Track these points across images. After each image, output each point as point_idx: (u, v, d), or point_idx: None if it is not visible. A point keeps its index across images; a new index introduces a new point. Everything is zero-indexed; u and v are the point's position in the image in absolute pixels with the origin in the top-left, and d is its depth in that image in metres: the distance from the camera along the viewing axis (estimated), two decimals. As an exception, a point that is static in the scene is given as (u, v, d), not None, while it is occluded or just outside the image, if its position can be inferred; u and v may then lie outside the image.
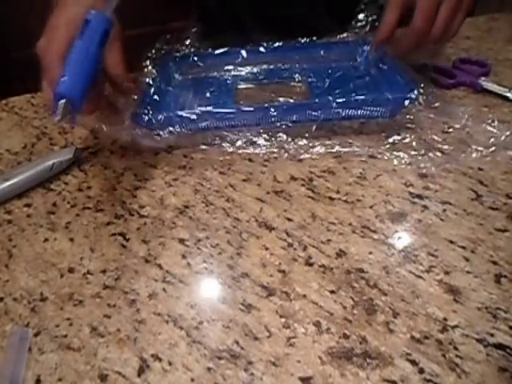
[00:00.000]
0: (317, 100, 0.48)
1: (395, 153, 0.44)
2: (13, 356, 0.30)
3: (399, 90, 0.46)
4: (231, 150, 0.47)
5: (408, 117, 0.47)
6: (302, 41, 0.55)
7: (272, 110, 0.47)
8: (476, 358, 0.28)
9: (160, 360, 0.30)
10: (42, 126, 0.54)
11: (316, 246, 0.36)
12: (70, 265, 0.37)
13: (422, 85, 0.45)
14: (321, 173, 0.43)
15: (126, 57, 0.40)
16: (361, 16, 0.52)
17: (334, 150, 0.46)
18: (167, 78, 0.53)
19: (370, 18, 0.50)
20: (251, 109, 0.48)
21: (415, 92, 0.45)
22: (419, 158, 0.43)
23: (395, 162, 0.43)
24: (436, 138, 0.46)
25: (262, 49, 0.55)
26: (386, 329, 0.30)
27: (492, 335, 0.29)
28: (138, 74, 0.48)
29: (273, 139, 0.48)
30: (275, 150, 0.46)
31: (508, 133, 0.44)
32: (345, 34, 0.55)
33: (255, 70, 0.54)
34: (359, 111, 0.49)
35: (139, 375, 0.29)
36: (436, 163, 0.43)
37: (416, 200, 0.39)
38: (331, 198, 0.40)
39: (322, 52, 0.54)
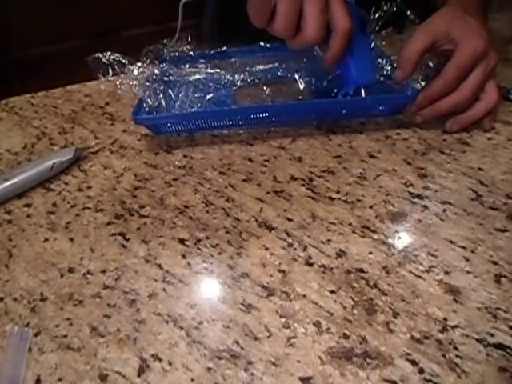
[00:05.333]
0: (316, 100, 0.48)
1: (395, 153, 0.44)
2: (13, 356, 0.30)
3: (399, 89, 0.46)
4: (231, 149, 0.47)
5: (408, 116, 0.47)
6: None
7: (271, 109, 0.47)
8: (476, 358, 0.28)
9: (160, 360, 0.30)
10: (42, 126, 0.54)
11: (316, 246, 0.36)
12: (69, 265, 0.37)
13: (422, 84, 0.45)
14: (321, 173, 0.43)
15: None
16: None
17: (333, 150, 0.46)
18: (166, 77, 0.53)
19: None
20: (250, 108, 0.48)
21: (415, 91, 0.45)
22: (419, 157, 0.43)
23: (395, 161, 0.43)
24: (436, 137, 0.46)
25: (261, 48, 0.55)
26: (386, 329, 0.30)
27: (492, 335, 0.29)
28: (137, 73, 0.48)
29: (272, 139, 0.48)
30: (275, 150, 0.46)
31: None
32: None
33: (254, 69, 0.54)
34: (359, 111, 0.49)
35: (139, 375, 0.29)
36: (436, 163, 0.43)
37: (416, 200, 0.39)
38: (331, 198, 0.40)
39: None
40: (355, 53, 0.43)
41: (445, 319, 0.30)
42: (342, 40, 0.40)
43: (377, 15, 0.49)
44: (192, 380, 0.28)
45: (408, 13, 0.48)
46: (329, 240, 0.36)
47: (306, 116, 0.50)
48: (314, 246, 0.36)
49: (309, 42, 0.39)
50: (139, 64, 0.49)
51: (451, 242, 0.35)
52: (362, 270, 0.34)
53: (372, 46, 0.51)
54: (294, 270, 0.34)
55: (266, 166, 0.45)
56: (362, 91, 0.44)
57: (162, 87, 0.50)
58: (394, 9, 0.48)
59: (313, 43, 0.40)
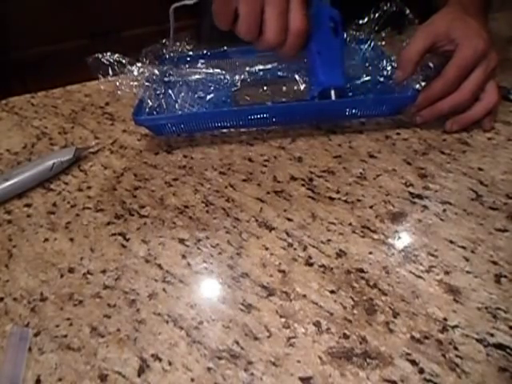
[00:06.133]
0: (316, 100, 0.48)
1: (395, 153, 0.44)
2: (13, 356, 0.30)
3: (399, 89, 0.46)
4: (231, 149, 0.47)
5: (408, 116, 0.47)
6: None
7: (271, 109, 0.47)
8: (476, 358, 0.28)
9: (160, 360, 0.30)
10: (42, 126, 0.54)
11: (316, 246, 0.36)
12: (70, 265, 0.37)
13: (422, 84, 0.45)
14: (321, 173, 0.43)
15: None
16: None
17: (333, 150, 0.46)
18: (166, 78, 0.53)
19: (372, 17, 0.50)
20: (250, 109, 0.48)
21: (415, 92, 0.45)
22: (419, 157, 0.43)
23: (395, 161, 0.43)
24: (436, 137, 0.46)
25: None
26: (386, 329, 0.30)
27: (492, 335, 0.29)
28: (137, 73, 0.48)
29: (272, 139, 0.48)
30: (275, 150, 0.46)
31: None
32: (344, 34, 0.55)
33: (254, 69, 0.54)
34: (359, 111, 0.49)
35: (139, 375, 0.29)
36: (436, 163, 0.43)
37: (416, 200, 0.39)
38: (331, 198, 0.40)
39: None
40: (324, 54, 0.42)
41: (445, 319, 0.30)
42: (295, 40, 0.40)
43: (376, 15, 0.49)
44: (192, 380, 0.28)
45: (407, 13, 0.48)
46: (329, 240, 0.36)
47: (306, 116, 0.50)
48: (314, 246, 0.36)
49: (270, 44, 0.40)
50: (139, 64, 0.49)
51: (451, 241, 0.35)
52: (362, 270, 0.34)
53: (366, 47, 0.51)
54: (293, 270, 0.34)
55: (266, 165, 0.45)
56: (332, 94, 0.43)
57: (162, 87, 0.50)
58: (394, 9, 0.48)
59: (274, 46, 0.40)
